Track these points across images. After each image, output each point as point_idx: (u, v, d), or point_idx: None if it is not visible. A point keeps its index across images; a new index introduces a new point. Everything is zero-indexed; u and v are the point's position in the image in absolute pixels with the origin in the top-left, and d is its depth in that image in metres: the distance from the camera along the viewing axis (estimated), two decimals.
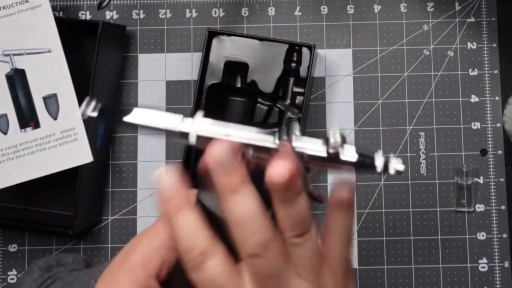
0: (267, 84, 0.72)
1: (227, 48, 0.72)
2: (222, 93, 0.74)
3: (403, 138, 0.76)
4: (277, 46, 0.72)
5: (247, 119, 0.74)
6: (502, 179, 0.75)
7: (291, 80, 0.73)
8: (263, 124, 0.72)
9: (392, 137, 0.76)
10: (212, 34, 0.73)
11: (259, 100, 0.73)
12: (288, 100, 0.73)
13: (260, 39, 0.72)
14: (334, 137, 0.41)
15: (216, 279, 0.41)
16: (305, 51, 0.72)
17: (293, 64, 0.73)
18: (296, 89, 0.73)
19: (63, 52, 0.67)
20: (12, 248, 0.75)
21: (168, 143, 0.76)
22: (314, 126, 0.76)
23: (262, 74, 0.72)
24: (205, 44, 0.72)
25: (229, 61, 0.72)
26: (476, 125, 0.76)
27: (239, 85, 0.74)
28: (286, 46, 0.72)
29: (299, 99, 0.73)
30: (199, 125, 0.42)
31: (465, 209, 0.74)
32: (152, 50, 0.77)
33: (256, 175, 0.43)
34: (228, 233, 0.41)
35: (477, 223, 0.75)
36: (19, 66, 0.67)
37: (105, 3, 0.68)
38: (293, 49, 0.72)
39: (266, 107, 0.73)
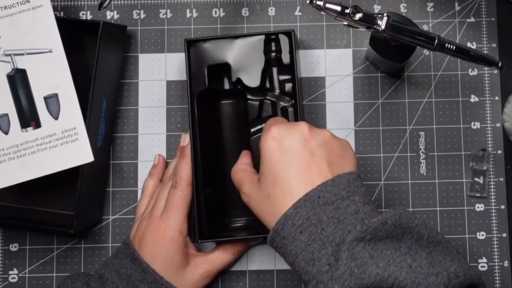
0: (252, 79, 0.71)
1: (206, 53, 0.71)
2: (211, 99, 0.73)
3: (403, 138, 0.76)
4: (254, 40, 0.71)
5: (241, 119, 0.74)
6: (501, 179, 0.75)
7: (275, 69, 0.73)
8: (259, 119, 0.72)
9: (392, 137, 0.76)
10: (191, 43, 0.72)
11: (248, 97, 0.73)
12: (277, 90, 0.73)
13: (235, 37, 0.71)
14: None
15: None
16: (282, 38, 0.71)
17: (273, 54, 0.72)
18: (282, 77, 0.73)
19: (64, 52, 0.67)
20: (13, 247, 0.75)
21: (168, 143, 0.76)
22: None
23: (245, 70, 0.71)
24: (186, 53, 0.71)
25: (211, 65, 0.71)
26: (476, 125, 0.76)
27: (227, 86, 0.73)
28: (263, 38, 0.71)
29: (288, 86, 0.73)
30: None
31: (479, 194, 0.74)
32: (152, 50, 0.77)
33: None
34: None
35: (476, 222, 0.75)
36: (20, 66, 0.68)
37: (106, 3, 0.68)
38: (270, 39, 0.72)
39: (257, 102, 0.73)
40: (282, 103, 0.73)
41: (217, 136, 0.74)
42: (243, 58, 0.71)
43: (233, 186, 0.66)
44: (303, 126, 0.60)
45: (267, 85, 0.73)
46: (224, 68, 0.72)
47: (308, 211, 0.56)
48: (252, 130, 0.72)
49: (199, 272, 0.69)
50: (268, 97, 0.73)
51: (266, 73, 0.72)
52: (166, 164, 0.75)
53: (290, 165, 0.58)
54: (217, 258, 0.71)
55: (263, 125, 0.70)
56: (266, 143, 0.59)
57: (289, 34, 0.71)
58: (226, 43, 0.71)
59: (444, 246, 0.56)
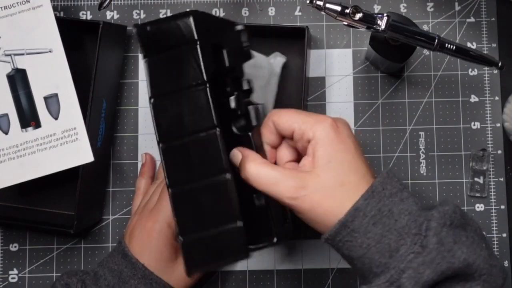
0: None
1: None
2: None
3: (403, 138, 0.76)
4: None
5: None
6: (501, 179, 0.75)
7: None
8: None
9: (392, 137, 0.76)
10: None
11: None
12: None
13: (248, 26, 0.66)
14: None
15: None
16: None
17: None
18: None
19: (64, 52, 0.67)
20: (13, 247, 0.75)
21: None
22: None
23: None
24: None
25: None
26: (476, 125, 0.76)
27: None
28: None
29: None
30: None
31: (479, 194, 0.75)
32: None
33: None
34: None
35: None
36: (20, 66, 0.68)
37: (106, 3, 0.68)
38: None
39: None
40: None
41: None
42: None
43: None
44: (344, 119, 0.60)
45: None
46: None
47: (378, 202, 0.55)
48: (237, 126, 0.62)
49: None
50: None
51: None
52: (155, 162, 0.76)
53: (356, 153, 0.58)
54: None
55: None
56: (332, 132, 0.58)
57: (302, 31, 0.72)
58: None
59: (485, 240, 0.58)
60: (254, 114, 0.62)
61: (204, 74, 0.54)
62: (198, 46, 0.54)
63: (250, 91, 0.63)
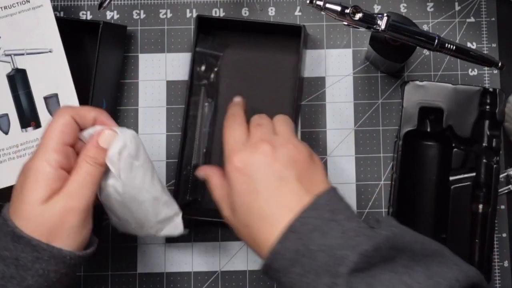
0: (463, 128, 0.70)
1: (420, 94, 0.71)
2: (416, 139, 0.73)
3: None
4: (470, 90, 0.71)
5: (443, 164, 0.73)
6: (502, 179, 0.75)
7: (486, 123, 0.71)
8: (461, 169, 0.72)
9: (392, 137, 0.76)
10: (201, 21, 0.73)
11: (454, 144, 0.72)
12: (484, 144, 0.71)
13: (452, 84, 0.71)
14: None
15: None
16: (500, 93, 0.71)
17: (487, 107, 0.71)
18: (492, 132, 0.71)
19: (64, 52, 0.68)
20: None
21: (168, 143, 0.76)
22: (314, 126, 0.76)
23: (457, 118, 0.70)
24: (195, 31, 0.72)
25: (423, 107, 0.71)
26: None
27: (428, 129, 0.73)
28: (480, 90, 0.70)
29: (495, 142, 0.70)
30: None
31: None
32: (152, 50, 0.77)
33: None
34: None
35: None
36: (20, 66, 0.68)
37: (106, 3, 0.68)
38: (487, 92, 0.71)
39: (463, 152, 0.72)
40: (487, 158, 0.71)
41: (416, 175, 0.74)
42: (457, 106, 0.70)
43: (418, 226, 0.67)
44: (264, 147, 0.58)
45: (475, 137, 0.71)
46: (434, 112, 0.72)
47: (296, 241, 0.54)
48: (452, 178, 0.72)
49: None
50: (474, 149, 0.72)
51: (476, 125, 0.71)
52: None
53: (259, 194, 0.57)
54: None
55: (464, 175, 0.71)
56: (232, 175, 0.58)
57: (298, 29, 0.72)
58: (442, 88, 0.71)
59: (439, 254, 0.55)
60: None
61: None
62: None
63: None
